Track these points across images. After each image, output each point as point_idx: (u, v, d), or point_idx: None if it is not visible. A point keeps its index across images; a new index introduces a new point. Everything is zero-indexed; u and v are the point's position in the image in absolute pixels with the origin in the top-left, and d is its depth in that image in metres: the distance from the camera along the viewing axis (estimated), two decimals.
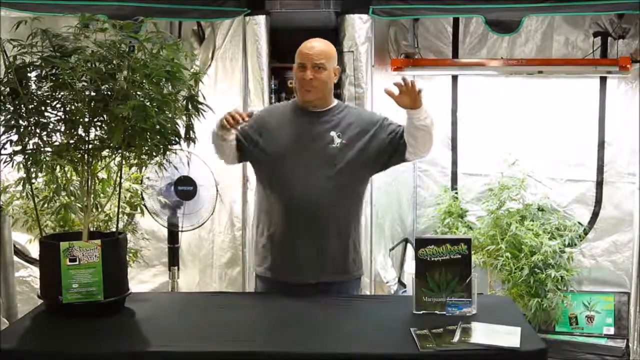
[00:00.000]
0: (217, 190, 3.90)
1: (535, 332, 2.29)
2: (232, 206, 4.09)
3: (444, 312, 2.26)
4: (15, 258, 3.63)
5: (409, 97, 2.50)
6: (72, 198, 2.40)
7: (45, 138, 2.28)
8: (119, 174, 2.57)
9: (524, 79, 4.17)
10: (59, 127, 2.29)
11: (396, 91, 2.51)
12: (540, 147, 4.18)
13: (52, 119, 2.27)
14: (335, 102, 2.76)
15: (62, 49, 2.21)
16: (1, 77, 2.23)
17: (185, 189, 3.85)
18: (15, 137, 2.26)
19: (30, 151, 2.28)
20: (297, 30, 3.50)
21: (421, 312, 2.29)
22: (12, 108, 2.22)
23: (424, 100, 2.53)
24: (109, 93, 2.23)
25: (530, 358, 1.98)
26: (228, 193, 4.06)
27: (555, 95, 4.16)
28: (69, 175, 2.43)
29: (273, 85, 4.23)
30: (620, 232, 4.12)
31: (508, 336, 2.03)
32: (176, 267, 4.03)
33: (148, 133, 2.25)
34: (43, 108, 2.26)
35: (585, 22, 4.07)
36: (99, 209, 2.68)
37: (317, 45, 2.65)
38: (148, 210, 3.84)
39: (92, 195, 2.40)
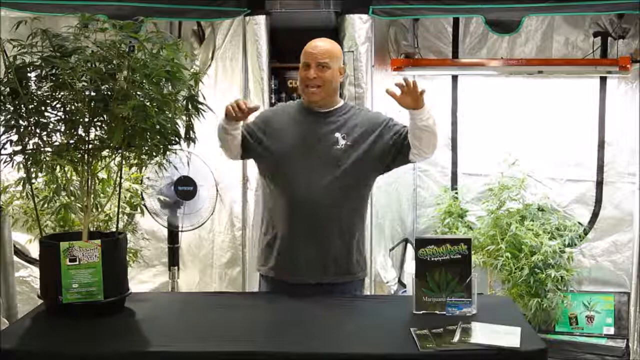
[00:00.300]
0: (217, 190, 3.90)
1: (535, 332, 2.28)
2: (232, 206, 4.08)
3: (444, 312, 2.26)
4: (15, 258, 3.63)
5: (411, 98, 2.49)
6: (72, 198, 2.40)
7: (45, 138, 2.28)
8: (119, 174, 2.57)
9: (524, 79, 4.17)
10: (59, 127, 2.29)
11: (398, 92, 2.51)
12: (540, 147, 4.18)
13: (52, 119, 2.27)
14: (341, 102, 2.75)
15: (62, 49, 2.21)
16: (1, 77, 2.23)
17: (185, 188, 3.85)
18: (15, 137, 2.26)
19: (30, 151, 2.28)
20: (297, 30, 3.49)
21: (421, 312, 2.29)
22: (12, 108, 2.22)
23: (426, 100, 2.52)
24: (109, 93, 2.23)
25: (530, 358, 1.98)
26: (228, 193, 4.06)
27: (555, 95, 4.16)
28: (69, 175, 2.43)
29: (273, 85, 4.24)
30: (620, 232, 4.12)
31: (508, 336, 2.03)
32: (176, 267, 4.04)
33: (148, 133, 2.25)
34: (43, 108, 2.25)
35: (585, 22, 4.07)
36: (99, 209, 2.68)
37: (322, 45, 2.65)
38: (148, 210, 3.85)
39: (92, 195, 2.39)
